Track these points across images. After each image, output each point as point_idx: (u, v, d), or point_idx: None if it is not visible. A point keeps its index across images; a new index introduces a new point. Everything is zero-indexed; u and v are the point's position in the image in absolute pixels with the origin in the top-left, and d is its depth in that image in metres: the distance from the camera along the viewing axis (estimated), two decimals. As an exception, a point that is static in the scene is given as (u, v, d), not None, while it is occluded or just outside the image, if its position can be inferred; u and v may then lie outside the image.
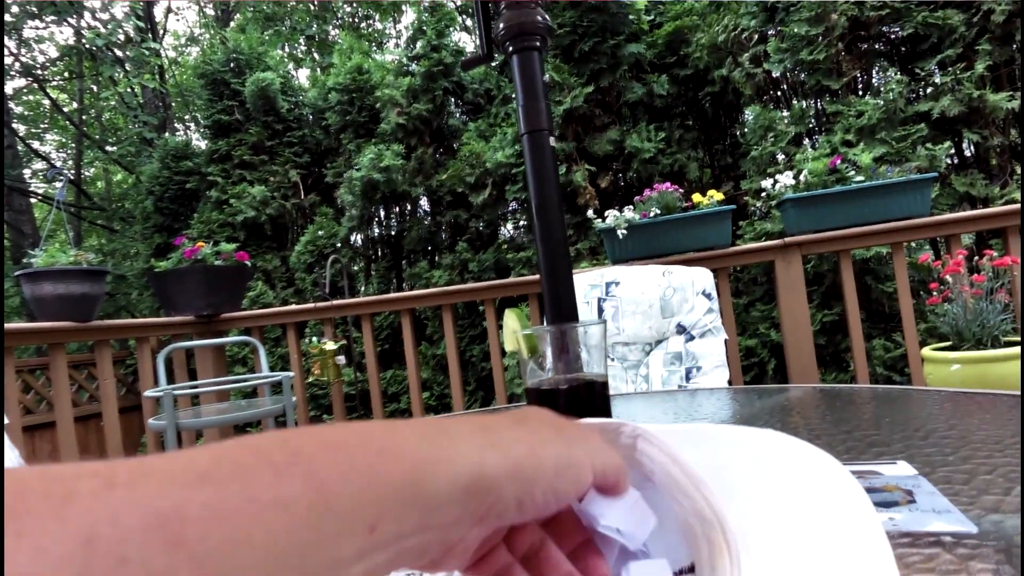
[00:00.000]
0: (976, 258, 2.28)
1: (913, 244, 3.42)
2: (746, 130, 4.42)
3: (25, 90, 11.18)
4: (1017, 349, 2.05)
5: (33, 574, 0.15)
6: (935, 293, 2.33)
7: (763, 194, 3.20)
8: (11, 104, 10.31)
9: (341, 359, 3.23)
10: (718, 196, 2.92)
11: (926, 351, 2.29)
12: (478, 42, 0.81)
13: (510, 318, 0.63)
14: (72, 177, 10.51)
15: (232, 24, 10.83)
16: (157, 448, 3.28)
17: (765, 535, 0.31)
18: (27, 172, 10.65)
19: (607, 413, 0.62)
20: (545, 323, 0.74)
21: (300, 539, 0.19)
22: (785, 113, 4.03)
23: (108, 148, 10.89)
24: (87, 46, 8.49)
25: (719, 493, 0.32)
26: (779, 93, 4.29)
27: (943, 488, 0.52)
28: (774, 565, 0.30)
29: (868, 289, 3.56)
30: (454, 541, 0.25)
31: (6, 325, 2.46)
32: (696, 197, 2.95)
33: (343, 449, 0.21)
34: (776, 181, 2.98)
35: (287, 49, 10.79)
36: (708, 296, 2.05)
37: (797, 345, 2.69)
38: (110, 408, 2.90)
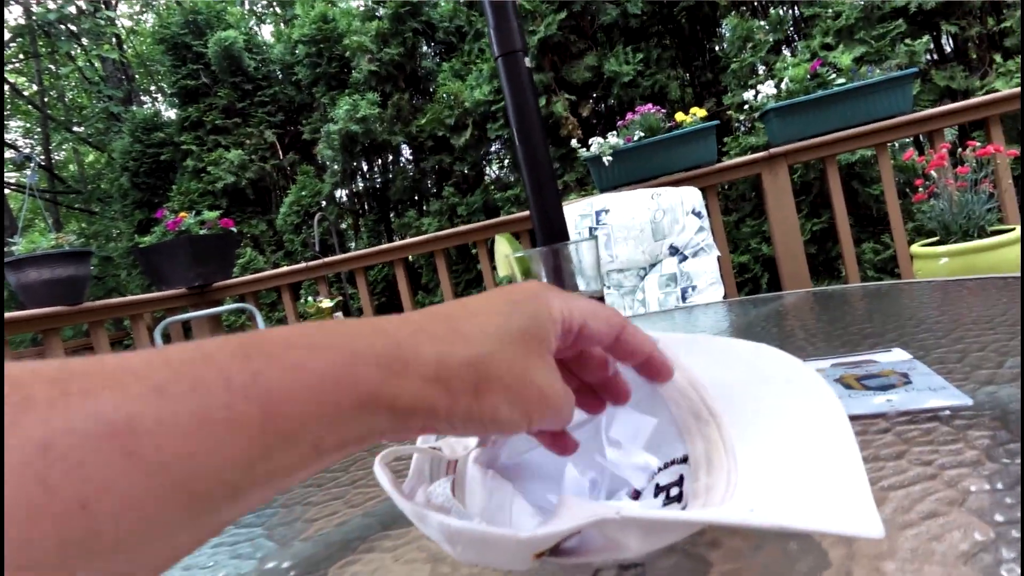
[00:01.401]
0: (960, 150, 2.27)
1: (897, 144, 3.40)
2: (724, 43, 4.31)
3: (-20, 75, 10.80)
4: (1004, 236, 2.07)
5: None
6: (920, 190, 2.34)
7: (746, 107, 3.16)
8: (-33, 91, 9.95)
9: (339, 316, 3.24)
10: (701, 113, 2.88)
11: (915, 248, 2.31)
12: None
13: (501, 243, 0.63)
14: (42, 162, 10.26)
15: (185, -16, 10.38)
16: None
17: (754, 436, 0.33)
18: (-5, 160, 10.39)
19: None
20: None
21: (248, 455, 0.20)
22: (763, 22, 3.93)
23: (75, 128, 10.60)
24: (38, 23, 8.14)
25: (715, 397, 0.35)
26: (755, 2, 4.17)
27: (937, 368, 0.54)
28: (763, 461, 0.32)
29: (855, 194, 3.56)
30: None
31: None
32: (679, 116, 2.91)
33: (304, 374, 0.22)
34: (758, 92, 2.93)
35: (247, 5, 10.36)
36: (698, 215, 2.05)
37: (788, 255, 2.70)
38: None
